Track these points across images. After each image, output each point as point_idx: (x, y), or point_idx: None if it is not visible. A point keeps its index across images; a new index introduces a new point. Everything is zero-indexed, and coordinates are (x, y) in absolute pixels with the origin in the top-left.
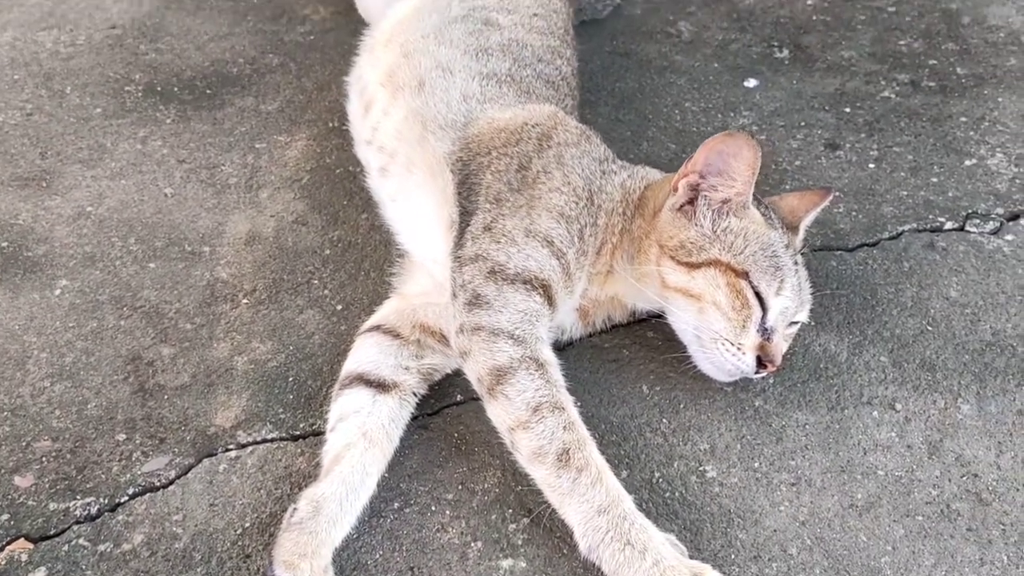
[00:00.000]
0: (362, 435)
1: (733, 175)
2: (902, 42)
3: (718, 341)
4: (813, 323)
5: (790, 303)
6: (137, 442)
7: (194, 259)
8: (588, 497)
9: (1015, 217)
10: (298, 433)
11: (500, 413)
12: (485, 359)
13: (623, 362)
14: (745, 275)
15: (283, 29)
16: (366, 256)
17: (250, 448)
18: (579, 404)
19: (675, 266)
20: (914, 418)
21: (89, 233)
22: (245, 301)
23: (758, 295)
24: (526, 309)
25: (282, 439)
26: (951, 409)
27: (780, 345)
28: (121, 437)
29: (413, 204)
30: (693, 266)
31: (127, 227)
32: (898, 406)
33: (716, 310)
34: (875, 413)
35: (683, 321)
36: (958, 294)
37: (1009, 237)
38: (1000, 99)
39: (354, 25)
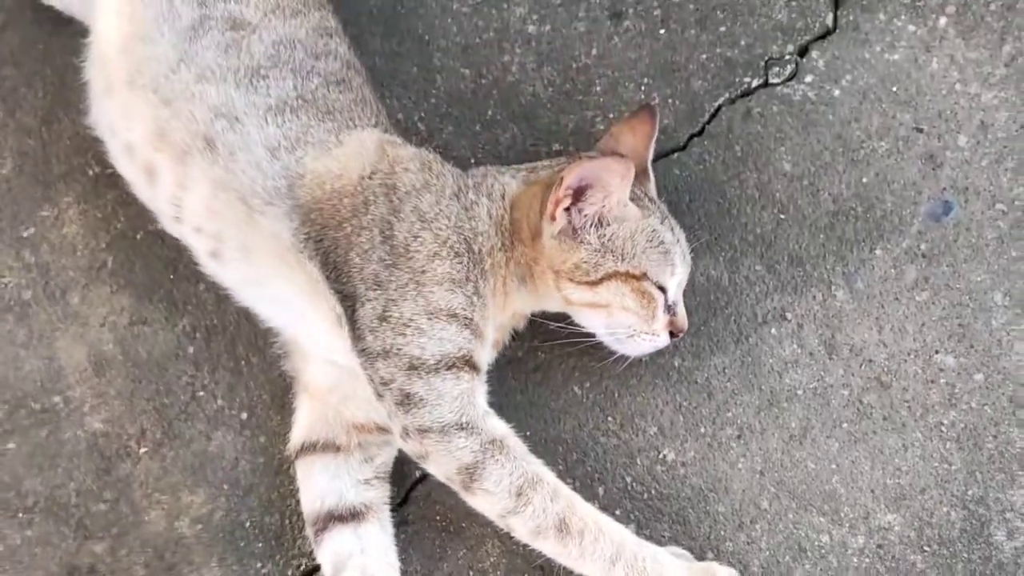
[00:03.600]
0: None
1: (608, 188)
2: None
3: (634, 336)
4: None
5: (682, 274)
6: None
7: (51, 418)
8: (598, 554)
9: (804, 51)
10: None
11: (485, 506)
12: (448, 461)
13: (545, 368)
14: (644, 275)
15: None
16: (235, 339)
17: None
18: (528, 432)
19: (576, 286)
20: (804, 322)
21: None
22: (143, 451)
23: (659, 286)
24: (461, 392)
25: None
26: (828, 300)
27: (683, 312)
28: None
29: (276, 296)
30: (593, 283)
31: None
32: (788, 315)
33: (625, 312)
34: (773, 330)
35: (593, 325)
36: (791, 166)
37: (808, 79)
38: None
39: (31, 13)
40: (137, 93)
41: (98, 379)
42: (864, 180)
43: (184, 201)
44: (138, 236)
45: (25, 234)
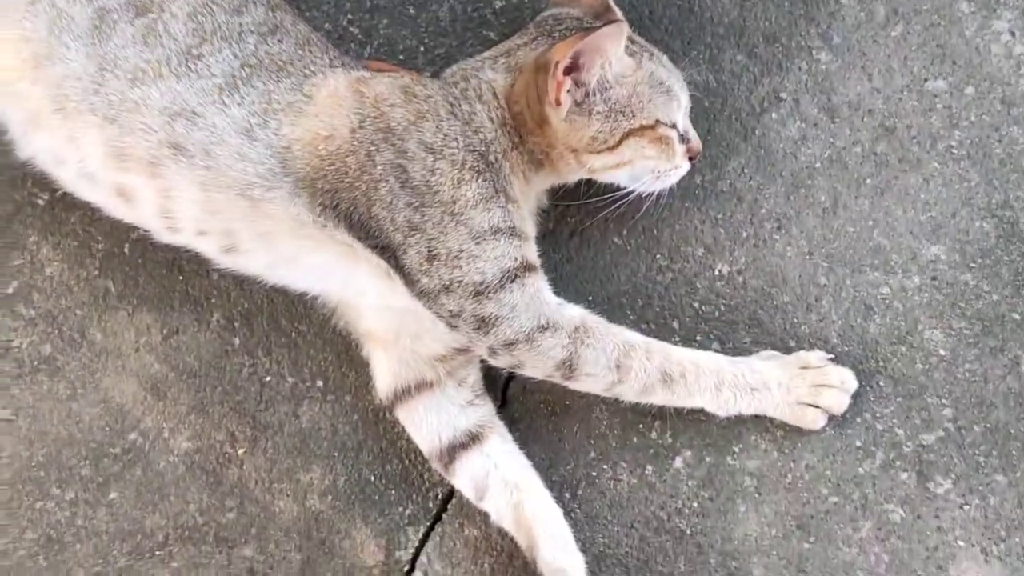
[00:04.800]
0: (516, 489)
1: (605, 54)
2: None
3: (659, 176)
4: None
5: (686, 100)
6: None
7: (138, 455)
8: (703, 387)
9: None
10: (435, 512)
11: (590, 386)
12: (544, 363)
13: (580, 231)
14: (656, 122)
15: None
16: (276, 315)
17: (422, 557)
18: (590, 298)
19: (597, 156)
20: (799, 95)
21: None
22: (241, 451)
23: (671, 125)
24: (531, 297)
25: (431, 527)
26: (814, 65)
27: (695, 135)
28: None
29: (312, 269)
30: (613, 147)
31: (34, 484)
32: (782, 94)
33: (647, 161)
34: (773, 115)
35: (618, 180)
36: None
37: None
38: None
39: None
40: (73, 119)
41: (162, 403)
42: None
43: (175, 211)
44: (125, 250)
45: (10, 290)
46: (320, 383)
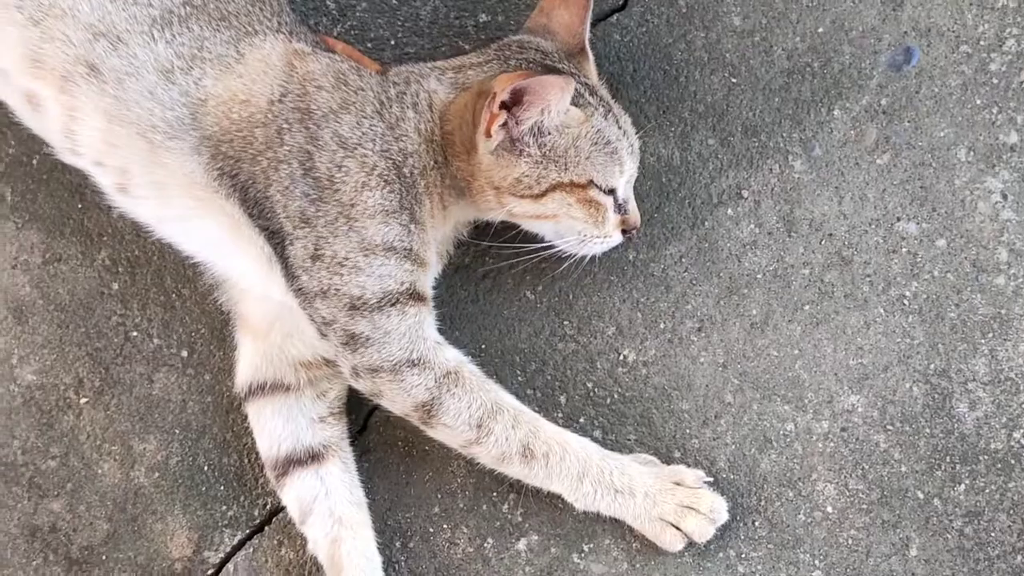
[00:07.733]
0: (339, 523)
1: (547, 101)
2: None
3: (584, 241)
4: (638, 130)
5: (632, 170)
6: None
7: None
8: (564, 472)
9: None
10: (259, 521)
11: (446, 438)
12: (403, 399)
13: (495, 275)
14: (590, 183)
15: None
16: (162, 270)
17: (230, 564)
18: (483, 345)
19: (518, 200)
20: (761, 198)
21: None
22: (84, 401)
23: (607, 190)
24: (409, 327)
25: (249, 536)
26: (786, 171)
27: (635, 208)
28: None
29: (197, 234)
30: (537, 196)
31: None
32: (744, 192)
33: (573, 221)
34: (729, 211)
35: (541, 231)
36: (741, 20)
37: None
38: None
39: None
40: None
41: (21, 327)
42: (820, 30)
43: (78, 134)
44: (34, 161)
45: None
46: (185, 353)
